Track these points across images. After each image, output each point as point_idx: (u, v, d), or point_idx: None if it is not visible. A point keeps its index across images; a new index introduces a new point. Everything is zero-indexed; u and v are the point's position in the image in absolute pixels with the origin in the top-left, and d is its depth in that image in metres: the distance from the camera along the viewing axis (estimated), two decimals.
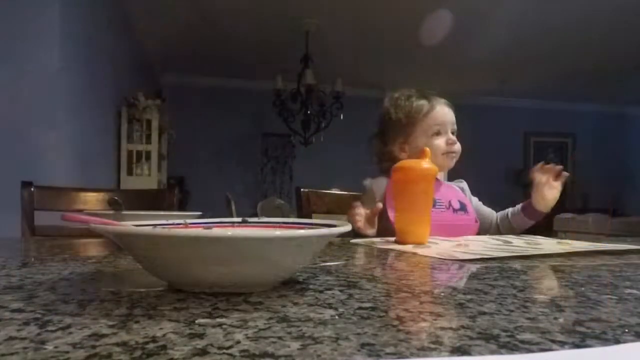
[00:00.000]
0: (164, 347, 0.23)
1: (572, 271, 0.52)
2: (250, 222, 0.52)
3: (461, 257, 0.60)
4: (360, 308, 0.32)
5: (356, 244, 0.80)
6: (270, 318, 0.29)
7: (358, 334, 0.26)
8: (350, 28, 4.07)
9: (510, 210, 1.19)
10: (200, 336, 0.25)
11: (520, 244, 0.77)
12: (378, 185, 1.14)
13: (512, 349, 0.24)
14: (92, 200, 1.32)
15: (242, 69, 5.30)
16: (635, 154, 6.85)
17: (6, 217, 1.30)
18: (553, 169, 1.10)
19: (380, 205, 0.98)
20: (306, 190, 1.36)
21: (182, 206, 4.65)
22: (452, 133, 1.15)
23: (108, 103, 3.11)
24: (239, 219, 0.53)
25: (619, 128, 7.01)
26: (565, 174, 1.09)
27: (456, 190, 1.18)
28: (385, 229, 0.98)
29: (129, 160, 3.38)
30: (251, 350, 0.23)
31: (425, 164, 0.83)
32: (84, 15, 2.49)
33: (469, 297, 0.37)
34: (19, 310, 0.31)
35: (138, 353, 0.23)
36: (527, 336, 0.26)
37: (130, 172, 3.38)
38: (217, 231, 0.45)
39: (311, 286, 0.40)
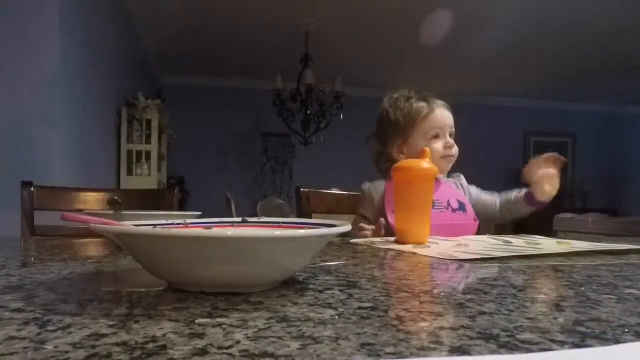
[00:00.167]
0: (164, 347, 0.24)
1: (572, 271, 0.52)
2: (250, 222, 0.52)
3: (461, 257, 0.60)
4: (360, 308, 0.32)
5: (356, 244, 0.80)
6: (270, 318, 0.29)
7: (358, 334, 0.26)
8: (350, 28, 4.07)
9: (513, 195, 1.19)
10: (200, 336, 0.25)
11: (520, 244, 0.77)
12: (376, 188, 1.15)
13: (512, 349, 0.24)
14: (92, 200, 1.32)
15: (242, 69, 5.29)
16: (635, 154, 6.85)
17: (6, 217, 1.30)
18: (554, 158, 1.09)
19: (382, 221, 1.01)
20: (306, 190, 1.36)
21: (182, 206, 4.65)
22: (451, 136, 1.15)
23: (108, 103, 3.11)
24: (239, 219, 0.53)
25: (619, 128, 7.01)
26: (562, 158, 1.09)
27: (455, 189, 1.19)
28: (385, 230, 0.99)
29: (129, 160, 3.38)
30: (251, 350, 0.23)
31: (425, 164, 0.83)
32: (84, 15, 2.49)
33: (469, 297, 0.37)
34: (19, 310, 0.31)
35: (138, 353, 0.23)
36: (527, 336, 0.26)
37: (130, 172, 3.38)
38: (217, 231, 0.45)
39: (311, 286, 0.40)
